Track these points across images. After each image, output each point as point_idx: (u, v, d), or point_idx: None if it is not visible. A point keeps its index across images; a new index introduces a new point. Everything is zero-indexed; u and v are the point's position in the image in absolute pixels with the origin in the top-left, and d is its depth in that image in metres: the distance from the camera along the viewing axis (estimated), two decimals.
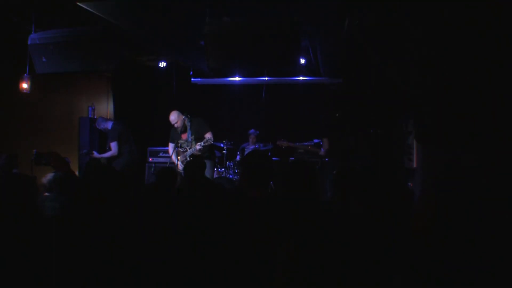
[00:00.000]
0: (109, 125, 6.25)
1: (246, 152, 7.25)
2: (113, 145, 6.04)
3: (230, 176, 6.80)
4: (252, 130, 7.58)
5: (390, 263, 1.74)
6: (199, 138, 5.61)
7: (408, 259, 1.70)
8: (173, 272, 2.03)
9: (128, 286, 2.02)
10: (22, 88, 5.72)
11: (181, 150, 5.77)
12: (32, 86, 5.78)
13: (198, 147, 5.53)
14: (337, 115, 7.80)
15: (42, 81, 6.41)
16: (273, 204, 2.17)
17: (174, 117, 5.72)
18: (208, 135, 5.60)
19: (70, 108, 7.81)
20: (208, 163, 5.55)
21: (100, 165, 4.00)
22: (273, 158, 7.27)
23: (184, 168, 3.83)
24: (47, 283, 1.91)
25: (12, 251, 1.95)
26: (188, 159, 5.65)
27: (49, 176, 3.49)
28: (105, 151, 6.47)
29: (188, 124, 5.67)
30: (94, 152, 6.24)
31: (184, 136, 5.73)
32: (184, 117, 5.70)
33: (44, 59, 4.85)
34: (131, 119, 7.90)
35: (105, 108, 8.74)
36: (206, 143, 5.51)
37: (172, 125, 5.81)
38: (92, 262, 2.02)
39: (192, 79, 8.15)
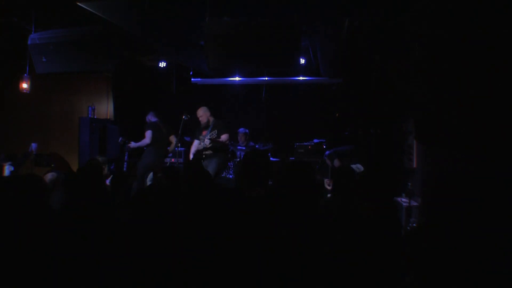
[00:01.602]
0: (151, 118, 6.39)
1: (237, 153, 7.28)
2: (146, 133, 6.13)
3: (230, 176, 6.81)
4: (241, 129, 7.61)
5: (391, 262, 1.74)
6: (216, 137, 5.72)
7: (409, 257, 1.70)
8: (172, 271, 2.03)
9: (128, 285, 2.02)
10: (22, 88, 5.72)
11: (200, 146, 5.89)
12: (32, 86, 5.78)
13: (206, 141, 5.68)
14: (337, 115, 7.80)
15: (42, 81, 6.41)
16: (272, 204, 2.16)
17: (202, 112, 5.87)
18: (224, 136, 5.70)
19: (70, 108, 7.81)
20: (213, 160, 5.58)
21: (98, 164, 3.99)
22: (273, 159, 7.27)
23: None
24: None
25: (24, 250, 1.96)
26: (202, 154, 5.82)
27: (49, 175, 3.49)
28: (104, 152, 6.49)
29: (211, 123, 5.81)
30: (131, 142, 6.31)
31: (204, 133, 5.83)
32: (210, 115, 5.86)
33: (44, 59, 4.85)
34: (131, 119, 7.91)
35: (105, 108, 8.74)
36: (212, 137, 5.64)
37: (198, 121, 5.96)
38: (93, 261, 2.02)
39: (192, 79, 8.16)
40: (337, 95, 7.88)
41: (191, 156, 5.97)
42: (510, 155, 2.34)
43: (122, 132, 7.64)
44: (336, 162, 6.00)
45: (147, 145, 6.11)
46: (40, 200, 2.23)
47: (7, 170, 5.48)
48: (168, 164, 6.98)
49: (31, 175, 2.38)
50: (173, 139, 6.45)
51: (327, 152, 6.41)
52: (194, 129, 6.12)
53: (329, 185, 5.70)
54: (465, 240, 1.60)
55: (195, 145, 5.92)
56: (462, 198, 1.70)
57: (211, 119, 5.85)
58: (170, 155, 7.07)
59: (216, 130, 5.71)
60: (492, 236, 1.59)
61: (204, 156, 5.76)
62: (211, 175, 3.08)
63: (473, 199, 1.69)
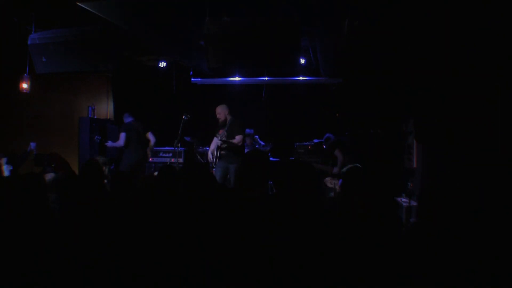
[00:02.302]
0: (126, 119, 6.36)
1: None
2: (120, 135, 6.12)
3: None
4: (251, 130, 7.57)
5: (393, 261, 1.74)
6: (231, 137, 5.64)
7: (410, 257, 1.70)
8: (171, 271, 2.03)
9: (126, 284, 2.02)
10: (22, 88, 5.72)
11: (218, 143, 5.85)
12: (32, 86, 5.78)
13: (218, 141, 5.61)
14: (337, 115, 7.80)
15: (42, 81, 6.41)
16: (272, 204, 2.16)
17: (220, 109, 5.77)
18: (238, 137, 5.61)
19: (70, 108, 7.80)
20: (234, 166, 5.52)
21: (98, 165, 3.98)
22: (273, 159, 7.27)
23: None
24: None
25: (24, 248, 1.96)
26: (216, 153, 5.74)
27: (49, 176, 3.49)
28: (104, 152, 6.49)
29: (228, 121, 5.73)
30: (108, 141, 6.31)
31: (221, 132, 5.76)
32: (228, 113, 5.76)
33: (44, 59, 4.85)
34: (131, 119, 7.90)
35: (105, 108, 8.73)
36: (222, 139, 5.58)
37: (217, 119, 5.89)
38: (92, 261, 2.02)
39: (192, 79, 8.15)
40: (337, 95, 7.88)
41: (209, 155, 5.89)
42: (508, 155, 2.34)
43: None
44: (337, 152, 5.98)
45: (124, 147, 6.08)
46: (40, 199, 2.23)
47: (6, 170, 5.48)
48: (168, 164, 6.98)
49: (31, 174, 2.38)
50: (149, 136, 6.39)
51: (330, 136, 6.38)
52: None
53: (331, 184, 5.71)
54: (465, 239, 1.61)
55: (214, 143, 5.83)
56: (461, 197, 1.70)
57: (229, 117, 5.73)
58: (170, 154, 7.06)
59: (234, 132, 5.61)
60: (491, 235, 1.60)
61: (220, 155, 5.66)
62: (214, 177, 3.06)
63: (472, 199, 1.69)
